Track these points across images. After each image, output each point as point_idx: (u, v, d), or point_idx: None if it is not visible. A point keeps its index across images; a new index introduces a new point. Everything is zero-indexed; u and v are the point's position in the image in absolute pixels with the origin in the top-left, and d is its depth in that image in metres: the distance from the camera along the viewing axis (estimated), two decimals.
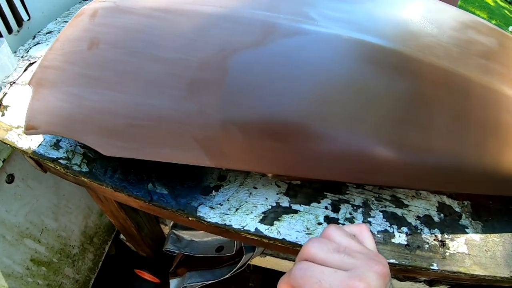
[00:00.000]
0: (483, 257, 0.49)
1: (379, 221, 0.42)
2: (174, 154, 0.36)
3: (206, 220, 0.40)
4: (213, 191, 0.41)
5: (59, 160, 0.43)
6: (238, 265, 0.66)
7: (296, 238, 0.39)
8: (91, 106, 0.38)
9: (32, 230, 0.61)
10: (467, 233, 0.49)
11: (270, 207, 0.40)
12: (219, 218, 0.40)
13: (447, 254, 0.45)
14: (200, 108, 0.35)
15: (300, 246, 0.39)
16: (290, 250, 0.41)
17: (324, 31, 0.39)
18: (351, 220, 0.41)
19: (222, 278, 0.69)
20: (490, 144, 0.43)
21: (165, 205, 0.41)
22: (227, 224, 0.39)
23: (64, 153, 0.43)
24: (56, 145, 0.44)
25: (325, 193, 0.42)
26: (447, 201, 0.50)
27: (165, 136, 0.36)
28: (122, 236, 0.79)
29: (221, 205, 0.40)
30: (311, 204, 0.41)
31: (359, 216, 0.42)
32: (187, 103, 0.35)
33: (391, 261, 0.41)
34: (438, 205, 0.48)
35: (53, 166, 0.44)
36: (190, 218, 0.41)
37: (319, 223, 0.40)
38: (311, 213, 0.41)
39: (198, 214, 0.40)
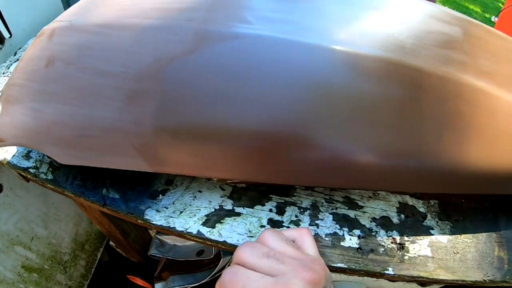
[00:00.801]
0: (450, 260, 0.47)
1: (328, 224, 0.43)
2: (118, 161, 0.41)
3: (152, 222, 0.43)
4: (160, 195, 0.44)
5: (29, 169, 0.49)
6: (217, 269, 0.69)
7: (237, 240, 0.41)
8: (49, 119, 0.43)
9: (22, 238, 0.69)
10: (432, 234, 0.47)
11: (213, 210, 0.43)
12: (164, 221, 0.43)
13: (405, 257, 0.44)
14: (137, 117, 0.39)
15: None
16: None
17: (260, 33, 0.41)
18: (296, 223, 0.42)
19: (203, 281, 0.72)
20: (448, 139, 0.42)
21: (117, 209, 0.45)
22: (171, 226, 0.42)
23: (33, 162, 0.50)
24: (27, 156, 0.50)
25: (270, 195, 0.44)
26: (410, 201, 0.49)
27: (109, 144, 0.40)
28: (111, 243, 0.85)
29: (167, 208, 0.43)
30: (255, 207, 0.43)
31: (306, 218, 0.43)
32: (126, 113, 0.40)
33: (340, 265, 0.41)
34: (398, 205, 0.47)
35: (24, 175, 0.50)
36: (139, 221, 0.44)
37: (262, 226, 0.42)
38: (255, 216, 0.42)
39: (145, 217, 0.43)
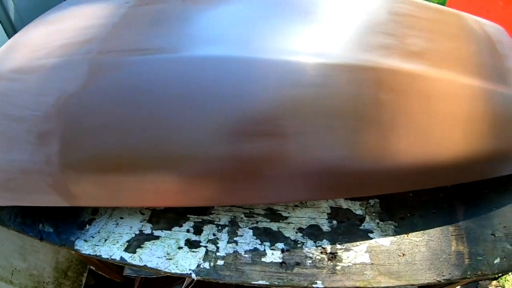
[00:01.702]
0: (394, 264, 0.46)
1: (247, 240, 0.44)
2: (37, 199, 0.45)
3: (81, 252, 0.47)
4: (87, 225, 0.48)
5: None
6: (185, 284, 0.72)
7: (157, 264, 0.44)
8: None
9: (3, 273, 0.76)
10: (371, 238, 0.47)
11: (133, 235, 0.46)
12: (91, 250, 0.47)
13: (338, 267, 0.44)
14: (46, 157, 0.43)
15: (161, 272, 0.44)
16: None
17: (153, 57, 0.44)
18: (214, 242, 0.44)
19: None
20: (368, 136, 0.42)
21: (52, 242, 0.49)
22: (97, 254, 0.46)
23: None
24: None
25: (188, 215, 0.46)
26: (345, 204, 0.49)
27: (28, 184, 0.45)
28: (91, 266, 0.92)
29: (93, 237, 0.47)
30: (173, 229, 0.45)
31: (224, 236, 0.44)
32: (37, 155, 0.44)
33: (261, 282, 0.42)
34: (330, 211, 0.48)
35: None
36: (72, 251, 0.49)
37: (180, 248, 0.44)
38: (172, 238, 0.45)
39: (75, 248, 0.47)
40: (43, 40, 0.49)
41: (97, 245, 0.46)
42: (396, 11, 0.51)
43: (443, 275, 0.50)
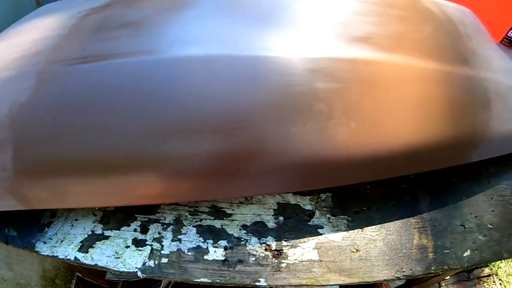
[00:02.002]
0: (346, 261, 0.46)
1: (191, 238, 0.46)
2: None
3: (41, 253, 0.50)
4: (46, 227, 0.51)
5: None
6: (162, 285, 0.75)
7: (106, 263, 0.46)
8: None
9: None
10: (320, 234, 0.47)
11: (86, 235, 0.48)
12: (50, 251, 0.49)
13: (283, 265, 0.44)
14: (2, 164, 0.47)
15: (111, 270, 0.46)
16: None
17: (97, 64, 0.46)
18: (159, 240, 0.46)
19: None
20: (301, 128, 0.42)
21: (16, 245, 0.53)
22: (55, 255, 0.49)
23: None
24: None
25: (136, 215, 0.48)
26: (293, 199, 0.49)
27: None
28: (77, 273, 0.96)
29: (51, 239, 0.50)
30: (121, 228, 0.47)
31: (168, 234, 0.46)
32: None
33: (203, 279, 0.43)
34: (277, 207, 0.48)
35: None
36: (33, 253, 0.52)
37: (127, 246, 0.46)
38: (121, 237, 0.47)
39: (36, 249, 0.50)
40: (1, 54, 0.53)
41: (55, 246, 0.49)
42: None
43: (403, 271, 0.49)
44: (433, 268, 0.50)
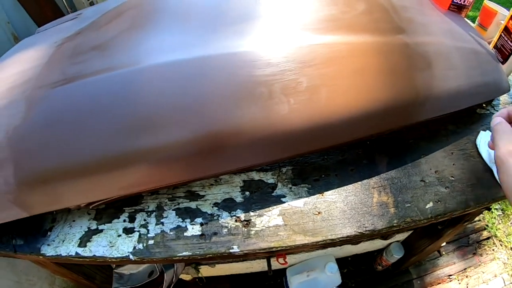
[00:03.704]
0: (309, 223, 0.57)
1: (171, 220, 0.58)
2: (5, 216, 0.63)
3: (46, 255, 0.63)
4: (49, 232, 0.65)
5: None
6: (164, 285, 0.87)
7: (103, 252, 0.58)
8: None
9: None
10: (283, 202, 0.58)
11: (83, 232, 0.61)
12: (54, 252, 0.62)
13: (252, 232, 0.56)
14: (5, 179, 0.61)
15: (107, 259, 0.59)
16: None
17: (73, 84, 0.61)
18: (145, 226, 0.58)
19: None
20: (246, 110, 0.55)
21: (24, 253, 0.66)
22: (58, 254, 0.62)
23: None
24: None
25: (124, 208, 0.61)
26: (257, 176, 0.61)
27: None
28: None
29: (54, 241, 0.63)
30: (113, 221, 0.60)
31: (152, 220, 0.58)
32: None
33: (185, 253, 0.55)
34: (243, 184, 0.60)
35: None
36: (40, 257, 0.65)
37: (119, 235, 0.59)
38: (112, 229, 0.60)
39: (41, 252, 0.64)
40: None
41: (57, 246, 0.62)
42: None
43: (365, 227, 0.59)
44: (395, 221, 0.60)
